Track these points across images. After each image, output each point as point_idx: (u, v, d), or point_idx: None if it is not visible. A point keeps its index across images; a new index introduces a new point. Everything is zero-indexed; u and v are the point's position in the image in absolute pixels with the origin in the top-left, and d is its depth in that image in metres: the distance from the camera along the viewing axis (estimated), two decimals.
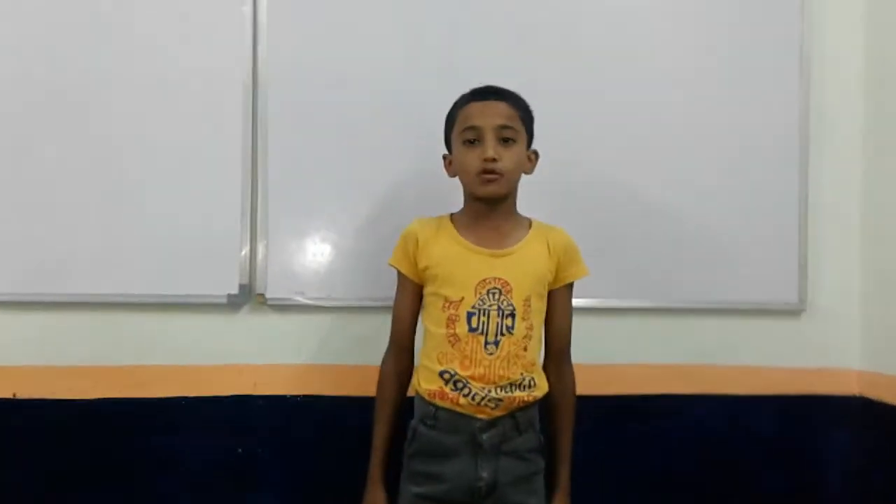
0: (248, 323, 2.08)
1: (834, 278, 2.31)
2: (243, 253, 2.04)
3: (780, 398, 2.26)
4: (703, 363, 2.24)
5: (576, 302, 1.84)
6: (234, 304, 2.05)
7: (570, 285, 1.79)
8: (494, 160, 1.64)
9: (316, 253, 2.08)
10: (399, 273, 1.79)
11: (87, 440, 2.00)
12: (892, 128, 2.25)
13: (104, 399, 2.00)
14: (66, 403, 1.99)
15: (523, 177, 1.75)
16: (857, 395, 2.29)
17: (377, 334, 1.86)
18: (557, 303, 1.77)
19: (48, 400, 1.98)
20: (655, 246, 2.21)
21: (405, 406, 1.78)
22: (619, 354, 2.20)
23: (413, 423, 1.74)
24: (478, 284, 1.67)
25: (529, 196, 1.79)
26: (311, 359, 2.09)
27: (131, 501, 2.02)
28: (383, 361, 1.81)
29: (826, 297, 2.30)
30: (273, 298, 2.06)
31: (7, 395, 1.98)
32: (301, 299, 2.07)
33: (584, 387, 1.86)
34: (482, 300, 1.67)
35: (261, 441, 2.06)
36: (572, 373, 1.82)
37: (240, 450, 2.05)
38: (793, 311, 2.29)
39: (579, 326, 1.86)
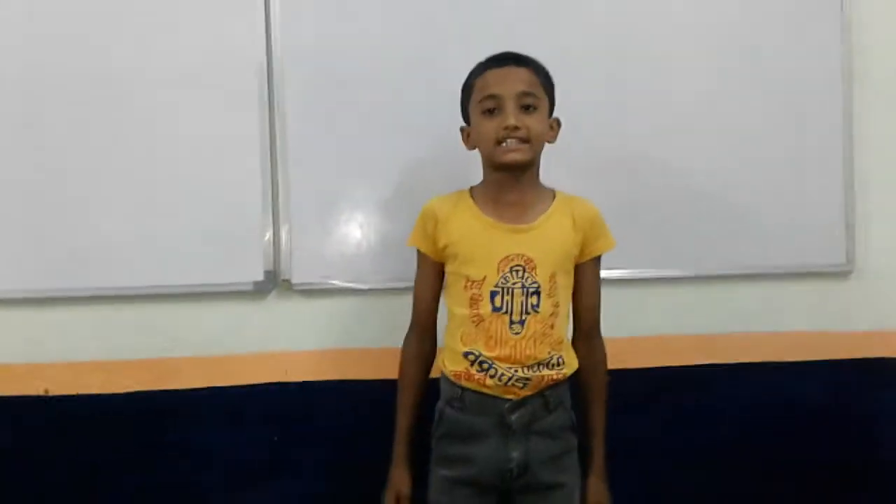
0: (276, 309, 2.05)
1: (884, 236, 2.21)
2: (267, 238, 2.01)
3: (831, 363, 2.18)
4: (748, 331, 2.16)
5: (612, 273, 1.79)
6: (260, 290, 2.02)
7: (598, 258, 1.72)
8: (516, 128, 1.58)
9: (341, 235, 2.04)
10: (419, 252, 1.74)
11: (119, 434, 2.00)
12: None
13: (134, 392, 1.99)
14: (96, 398, 1.98)
15: (549, 147, 1.69)
16: None
17: (406, 316, 1.81)
18: (585, 277, 1.70)
19: (79, 395, 1.98)
20: (692, 211, 2.12)
21: (430, 388, 1.74)
22: (660, 326, 2.14)
23: (440, 405, 1.70)
24: (500, 262, 1.61)
25: (554, 165, 1.72)
26: (341, 343, 2.07)
27: (166, 494, 2.01)
28: (405, 343, 1.77)
29: (876, 257, 2.21)
30: (299, 283, 2.03)
31: (39, 391, 1.98)
32: (328, 283, 2.04)
33: (623, 360, 1.82)
34: (505, 278, 1.61)
35: (295, 427, 2.04)
36: (603, 348, 1.75)
37: (275, 437, 2.04)
38: (841, 273, 2.19)
39: (617, 298, 1.83)
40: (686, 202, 2.12)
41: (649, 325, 2.14)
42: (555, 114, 1.70)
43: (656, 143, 2.11)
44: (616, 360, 1.79)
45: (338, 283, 2.04)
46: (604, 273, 1.76)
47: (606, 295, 1.76)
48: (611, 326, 1.79)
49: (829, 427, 2.19)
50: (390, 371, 1.89)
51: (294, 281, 2.02)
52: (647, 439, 2.10)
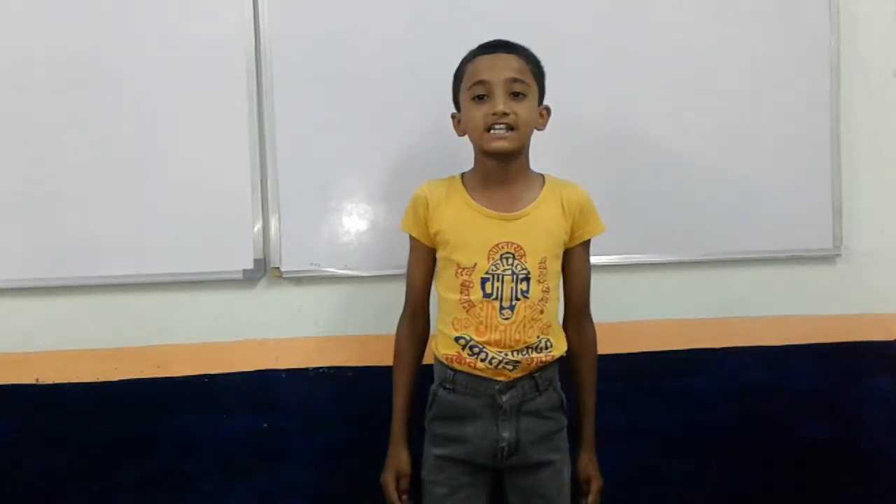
0: (266, 297, 2.05)
1: (870, 221, 2.22)
2: (256, 227, 2.01)
3: (819, 346, 2.19)
4: (737, 315, 2.17)
5: (601, 259, 1.80)
6: (250, 278, 2.02)
7: (587, 242, 1.73)
8: (505, 114, 1.58)
9: (330, 223, 2.04)
10: (411, 237, 1.75)
11: (111, 423, 2.00)
12: None
13: (126, 381, 2.00)
14: (88, 387, 1.99)
15: (541, 132, 1.70)
16: None
17: (396, 302, 1.82)
18: (574, 261, 1.72)
19: (70, 384, 1.99)
20: (679, 196, 2.12)
21: (425, 370, 1.76)
22: (649, 311, 2.15)
23: (433, 387, 1.73)
24: (490, 250, 1.63)
25: (544, 150, 1.73)
26: (331, 330, 2.07)
27: (159, 482, 2.02)
28: (398, 326, 1.79)
29: (863, 241, 2.21)
30: (289, 271, 2.03)
31: (30, 380, 1.98)
32: (317, 270, 2.04)
33: (614, 345, 1.83)
34: (495, 265, 1.62)
35: (286, 414, 2.05)
36: (593, 330, 1.78)
37: (265, 424, 2.04)
38: (828, 257, 2.20)
39: (606, 284, 1.84)
40: (674, 188, 2.12)
41: (638, 310, 2.14)
42: (547, 99, 1.70)
43: (646, 129, 2.11)
44: (605, 344, 1.80)
45: (327, 270, 2.04)
46: (593, 259, 1.76)
47: (596, 280, 1.78)
48: (600, 311, 1.80)
49: (817, 411, 2.20)
50: (380, 357, 1.92)
51: (284, 269, 2.02)
52: (636, 423, 2.12)
